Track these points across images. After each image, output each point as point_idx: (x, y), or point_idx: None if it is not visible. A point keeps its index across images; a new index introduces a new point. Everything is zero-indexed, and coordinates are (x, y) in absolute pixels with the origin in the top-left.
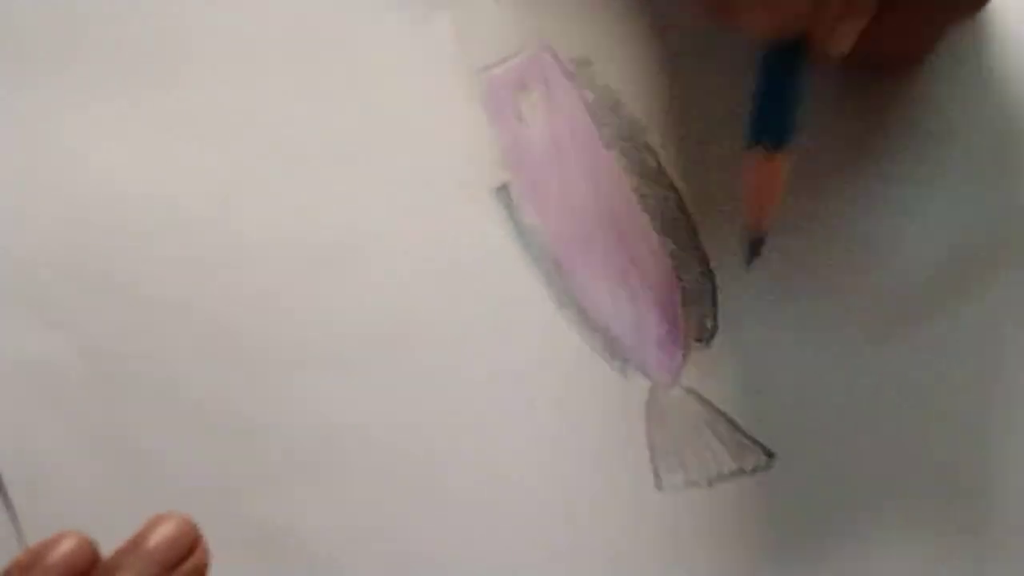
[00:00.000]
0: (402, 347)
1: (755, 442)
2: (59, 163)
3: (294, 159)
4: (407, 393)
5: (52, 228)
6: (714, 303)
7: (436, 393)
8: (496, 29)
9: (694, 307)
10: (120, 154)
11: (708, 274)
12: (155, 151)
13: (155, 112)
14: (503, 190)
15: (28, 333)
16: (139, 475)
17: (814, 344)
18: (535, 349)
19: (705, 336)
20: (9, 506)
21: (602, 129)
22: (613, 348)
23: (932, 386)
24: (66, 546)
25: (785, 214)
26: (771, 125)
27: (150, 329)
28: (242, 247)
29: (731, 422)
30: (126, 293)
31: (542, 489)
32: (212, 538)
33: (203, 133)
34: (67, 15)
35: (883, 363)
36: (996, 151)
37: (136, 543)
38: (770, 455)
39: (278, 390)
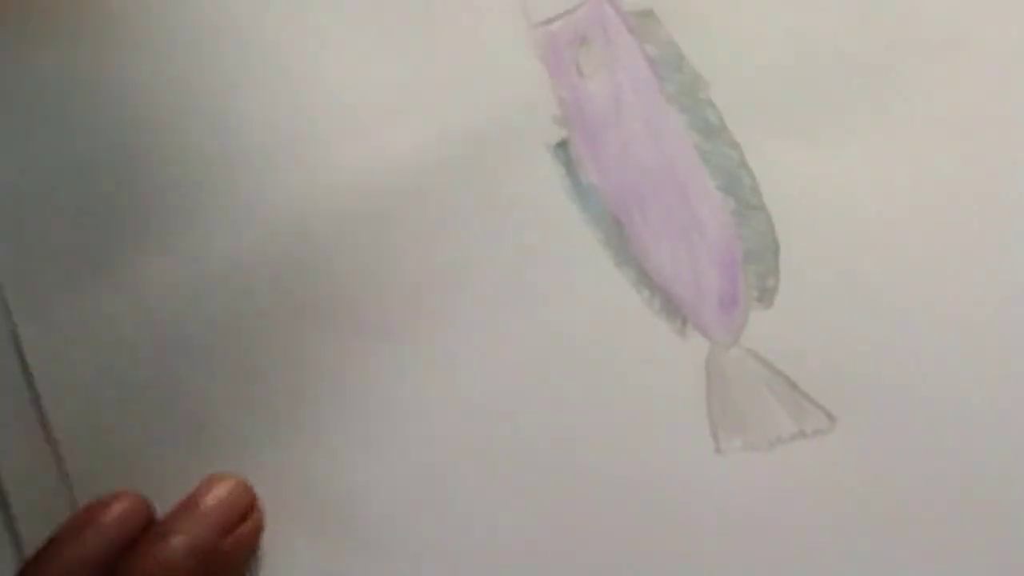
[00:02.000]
0: (460, 311)
1: (816, 404)
2: (115, 115)
3: (350, 115)
4: (465, 359)
5: (108, 182)
6: (776, 262)
7: (493, 358)
8: None
9: (755, 266)
10: (162, 112)
11: (770, 233)
12: (222, 107)
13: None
14: (562, 147)
15: (84, 287)
16: (193, 434)
17: (878, 305)
18: (594, 309)
19: (767, 296)
20: (61, 463)
21: (664, 84)
22: (673, 307)
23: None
24: (120, 506)
25: None
26: None
27: (204, 285)
28: (296, 206)
29: (792, 384)
30: (182, 248)
31: (599, 451)
32: (265, 501)
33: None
34: None
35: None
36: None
37: (191, 504)
38: (832, 418)
39: (335, 356)
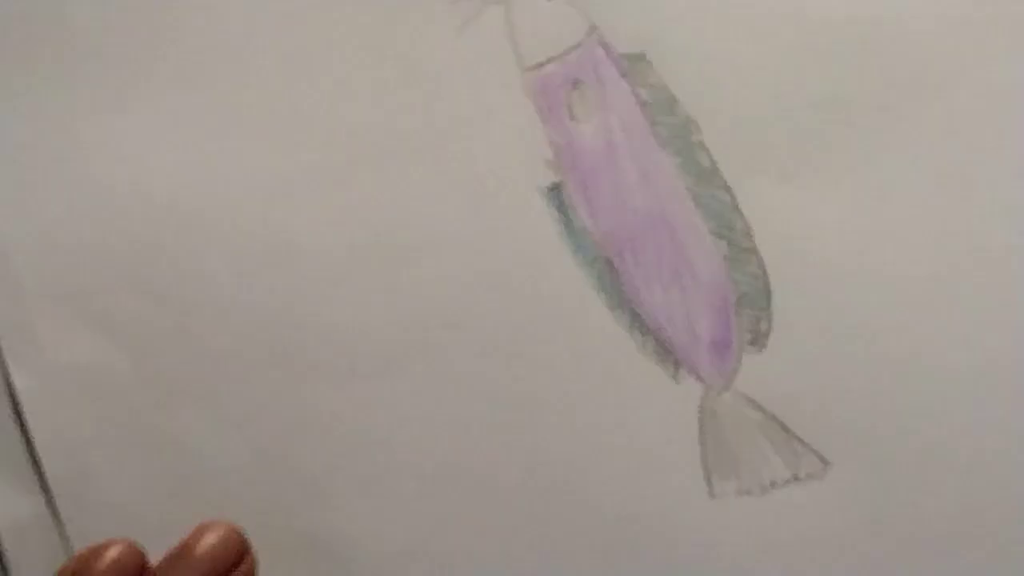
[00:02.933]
0: (456, 355)
1: (810, 449)
2: (107, 167)
3: (344, 160)
4: (460, 403)
5: (101, 232)
6: (768, 306)
7: (486, 399)
8: (548, 25)
9: (748, 310)
10: (168, 156)
11: (763, 276)
12: (202, 153)
13: (202, 113)
14: (555, 190)
15: (77, 336)
16: (187, 481)
17: (871, 348)
18: (587, 353)
19: (760, 340)
20: (55, 512)
21: (656, 128)
22: (666, 351)
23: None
24: (114, 552)
25: None
26: None
27: (198, 333)
28: (290, 250)
29: (785, 428)
30: (175, 297)
31: (593, 495)
32: (259, 547)
33: (251, 134)
34: (111, 17)
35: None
36: None
37: (184, 551)
38: (825, 462)
39: (326, 397)
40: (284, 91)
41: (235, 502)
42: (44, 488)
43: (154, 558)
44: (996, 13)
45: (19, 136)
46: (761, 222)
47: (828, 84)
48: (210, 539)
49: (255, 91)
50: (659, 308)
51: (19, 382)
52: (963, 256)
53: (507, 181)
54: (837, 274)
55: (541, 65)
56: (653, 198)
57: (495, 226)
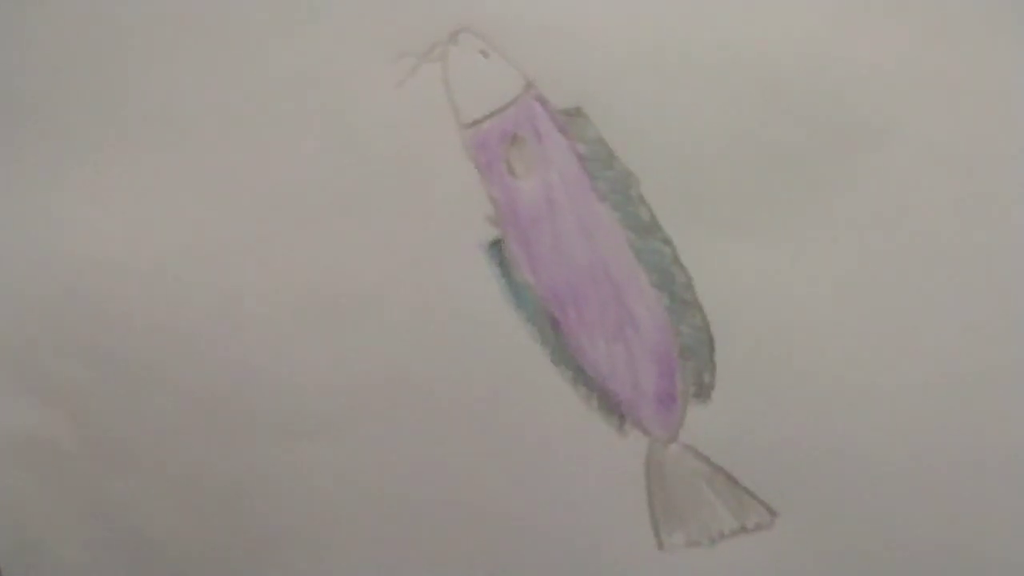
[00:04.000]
0: (395, 410)
1: (757, 499)
2: (47, 230)
3: (284, 220)
4: (401, 458)
5: (40, 296)
6: (712, 357)
7: (430, 456)
8: (485, 81)
9: (691, 362)
10: (109, 220)
11: (705, 328)
12: (143, 216)
13: (143, 177)
14: (495, 246)
15: (19, 405)
16: (131, 547)
17: (815, 398)
18: (531, 408)
19: (704, 391)
20: None
21: (595, 182)
22: (611, 405)
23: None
24: None
25: None
26: None
27: (142, 400)
28: (232, 312)
29: (731, 479)
30: (118, 365)
31: (542, 550)
32: None
33: (191, 198)
34: (60, 79)
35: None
36: None
37: None
38: (772, 513)
39: (271, 457)
40: (224, 153)
41: (182, 565)
42: None
43: None
44: (934, 65)
45: None
46: (702, 274)
47: (767, 136)
48: None
49: (195, 154)
50: (603, 362)
51: None
52: (907, 304)
53: (448, 238)
54: (779, 325)
55: (479, 122)
56: (594, 252)
57: (437, 283)
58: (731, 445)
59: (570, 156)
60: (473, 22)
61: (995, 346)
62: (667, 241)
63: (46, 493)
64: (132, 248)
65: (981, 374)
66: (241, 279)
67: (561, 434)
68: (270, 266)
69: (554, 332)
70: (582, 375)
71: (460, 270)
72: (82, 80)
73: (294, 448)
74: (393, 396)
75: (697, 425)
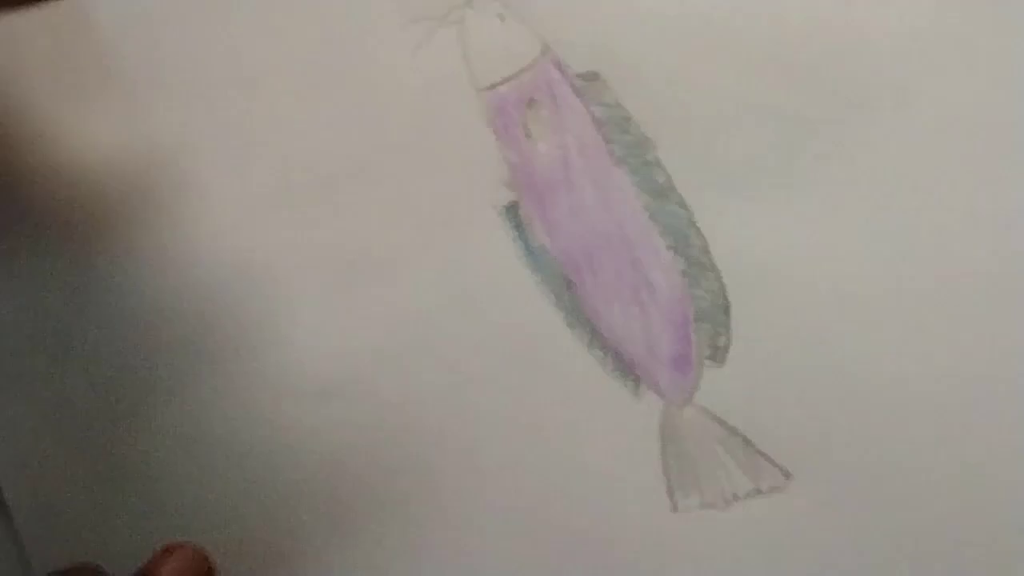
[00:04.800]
0: (416, 372)
1: (771, 461)
2: None
3: (302, 185)
4: (418, 419)
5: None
6: (727, 320)
7: (446, 416)
8: (502, 45)
9: (707, 324)
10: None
11: (721, 291)
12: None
13: (160, 135)
14: (511, 209)
15: (43, 369)
16: (151, 504)
17: (829, 361)
18: (546, 370)
19: (719, 354)
20: (17, 538)
21: (611, 146)
22: (626, 368)
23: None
24: None
25: None
26: None
27: (158, 356)
28: (256, 276)
29: (746, 441)
30: (140, 322)
31: (556, 512)
32: (225, 568)
33: (211, 161)
34: None
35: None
36: None
37: (148, 573)
38: (787, 474)
39: (291, 419)
40: (241, 119)
41: (198, 522)
42: (5, 512)
43: None
44: (949, 30)
45: None
46: (718, 237)
47: (783, 99)
48: (175, 561)
49: (213, 118)
50: (618, 325)
51: None
52: (921, 268)
53: (464, 201)
54: (795, 287)
55: (495, 85)
56: (610, 215)
57: (454, 246)
58: (746, 408)
59: (587, 120)
60: None
61: (1014, 311)
62: (683, 205)
63: (65, 449)
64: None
65: (999, 338)
66: (262, 243)
67: (576, 397)
68: (288, 231)
69: (570, 295)
70: (597, 338)
71: (477, 233)
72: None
73: (314, 409)
74: (412, 358)
75: (712, 388)
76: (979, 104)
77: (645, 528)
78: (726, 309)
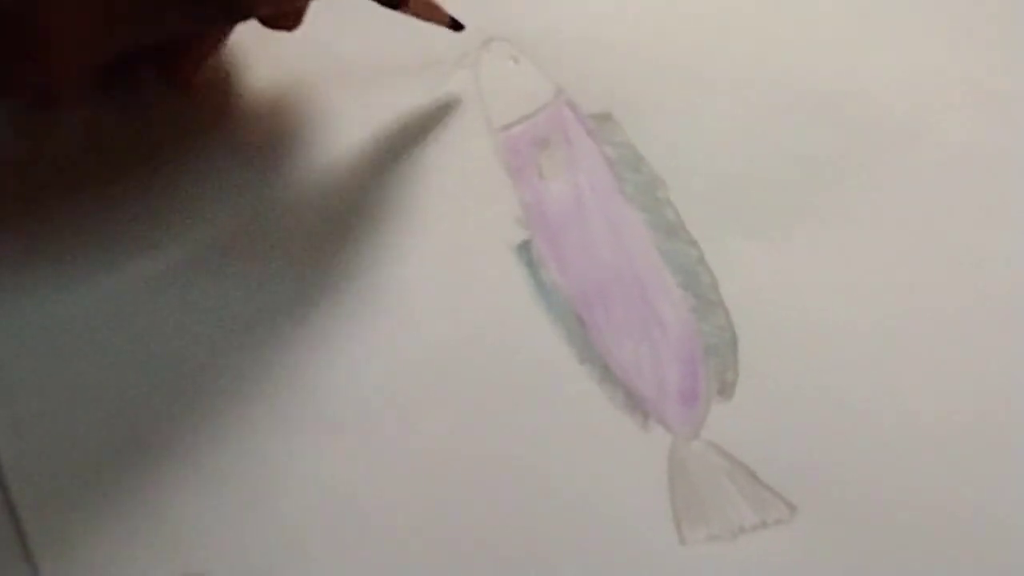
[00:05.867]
0: (426, 408)
1: (776, 495)
2: None
3: (312, 219)
4: (426, 453)
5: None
6: (735, 356)
7: (456, 451)
8: (516, 87)
9: (716, 360)
10: None
11: (729, 327)
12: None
13: None
14: (524, 247)
15: (53, 387)
16: (153, 536)
17: (836, 397)
18: (557, 404)
19: (727, 389)
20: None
21: (623, 185)
22: (635, 403)
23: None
24: None
25: None
26: None
27: (166, 388)
28: (257, 303)
29: (752, 474)
30: (158, 354)
31: (565, 544)
32: None
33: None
34: None
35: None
36: None
37: None
38: (792, 508)
39: (302, 451)
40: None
41: (203, 556)
42: (25, 549)
43: None
44: (959, 71)
45: None
46: (727, 276)
47: (793, 141)
48: None
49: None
50: (628, 360)
51: None
52: (929, 305)
53: (478, 239)
54: (802, 324)
55: (510, 126)
56: (621, 253)
57: (467, 283)
58: (752, 442)
59: (599, 160)
60: (505, 31)
61: (1021, 348)
62: (693, 243)
63: (82, 481)
64: None
65: (1006, 375)
66: (260, 267)
67: (586, 431)
68: (297, 267)
69: (581, 332)
70: (608, 374)
71: (490, 270)
72: None
73: (325, 442)
74: (420, 392)
75: (719, 422)
76: (990, 143)
77: (652, 559)
78: (734, 345)
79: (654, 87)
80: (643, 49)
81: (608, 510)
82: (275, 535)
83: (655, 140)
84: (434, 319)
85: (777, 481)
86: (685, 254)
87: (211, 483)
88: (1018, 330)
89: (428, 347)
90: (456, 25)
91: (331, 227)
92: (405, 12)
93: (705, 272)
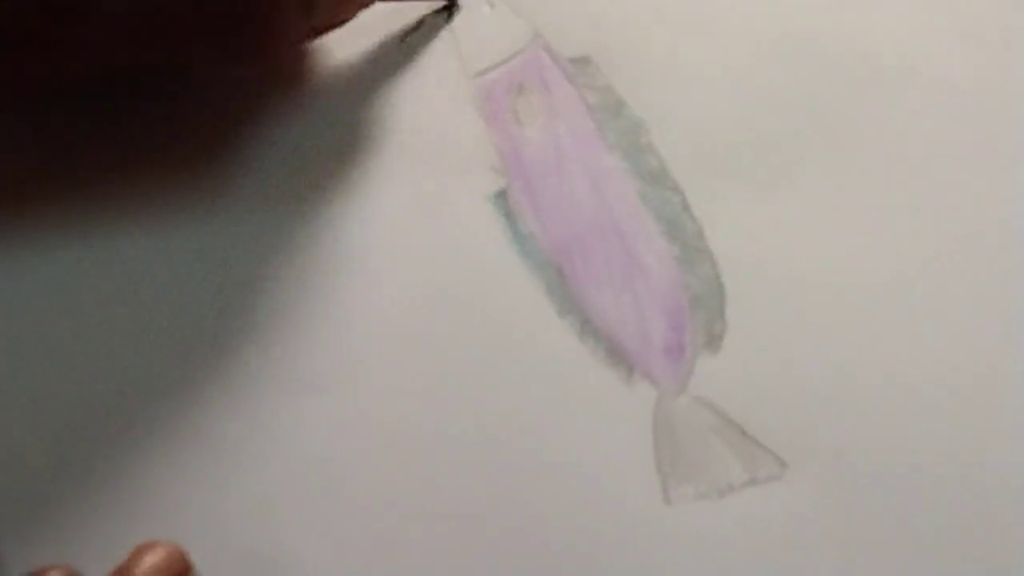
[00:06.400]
0: (401, 364)
1: (767, 451)
2: None
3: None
4: (404, 411)
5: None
6: (722, 307)
7: (435, 408)
8: (491, 32)
9: (702, 312)
10: None
11: (716, 277)
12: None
13: None
14: (500, 196)
15: (15, 362)
16: (124, 503)
17: (826, 348)
18: (537, 359)
19: (714, 342)
20: None
21: (604, 131)
22: (618, 356)
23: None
24: None
25: None
26: None
27: (134, 355)
28: (226, 264)
29: (741, 431)
30: (117, 320)
31: (547, 504)
32: (201, 567)
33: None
34: None
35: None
36: None
37: (124, 573)
38: (783, 464)
39: (275, 413)
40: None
41: (173, 521)
42: None
43: None
44: (947, 11)
45: None
46: (712, 223)
47: (780, 83)
48: (152, 559)
49: None
50: (610, 312)
51: None
52: (922, 256)
53: (455, 188)
54: (792, 274)
55: (485, 71)
56: (601, 202)
57: (443, 233)
58: (741, 396)
59: (578, 105)
60: None
61: (1015, 297)
62: (677, 190)
63: (39, 446)
64: None
65: (1000, 324)
66: (236, 227)
67: (568, 386)
68: (268, 219)
69: (560, 283)
70: (589, 326)
71: (468, 221)
72: None
73: (300, 403)
74: (395, 351)
75: (707, 376)
76: (986, 83)
77: (638, 519)
78: (721, 296)
79: (635, 29)
80: None
81: (591, 468)
82: (249, 503)
83: (637, 84)
84: (408, 272)
85: (767, 437)
86: (669, 201)
87: (184, 451)
88: (1011, 283)
89: (402, 302)
90: (453, 2)
91: (302, 177)
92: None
93: (690, 220)
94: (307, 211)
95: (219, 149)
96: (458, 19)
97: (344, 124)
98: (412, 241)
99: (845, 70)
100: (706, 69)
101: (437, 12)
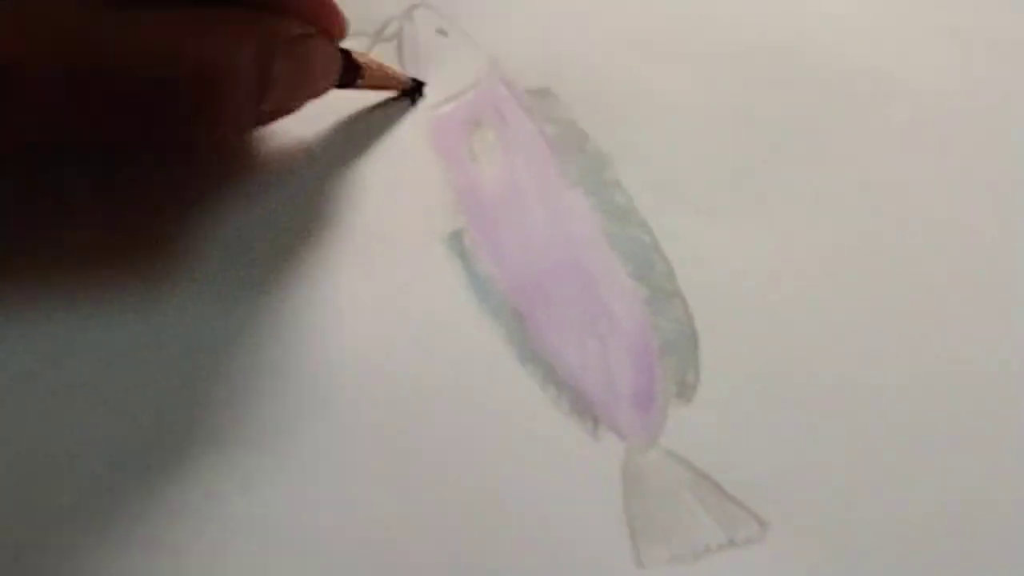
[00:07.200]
0: (349, 412)
1: (745, 509)
2: None
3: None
4: (354, 465)
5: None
6: (695, 354)
7: (386, 463)
8: (444, 62)
9: (673, 358)
10: None
11: (688, 321)
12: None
13: None
14: (455, 237)
15: None
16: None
17: (807, 397)
18: (496, 410)
19: (686, 391)
20: None
21: (565, 166)
22: (583, 407)
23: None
24: None
25: None
26: None
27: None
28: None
29: (718, 487)
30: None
31: (507, 565)
32: None
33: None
34: None
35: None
36: None
37: None
38: (762, 524)
39: (212, 470)
40: None
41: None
42: None
43: None
44: (929, 20)
45: None
46: (684, 262)
47: (747, 111)
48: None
49: None
50: (574, 360)
51: None
52: (910, 292)
53: (406, 229)
54: (770, 316)
55: (438, 105)
56: (564, 241)
57: (396, 278)
58: (717, 449)
59: (537, 139)
60: None
61: (1005, 332)
62: (645, 228)
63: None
64: None
65: (986, 366)
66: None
67: (529, 439)
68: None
69: (521, 328)
70: (552, 374)
71: (422, 264)
72: None
73: (243, 459)
74: (348, 397)
75: (679, 428)
76: (971, 101)
77: None
78: (694, 341)
79: (597, 57)
80: (584, 17)
81: (557, 529)
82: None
83: (600, 116)
84: (359, 317)
85: (745, 494)
86: (637, 240)
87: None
88: (1004, 313)
89: (353, 349)
90: (418, 86)
91: (248, 217)
92: (360, 87)
93: (660, 260)
94: (255, 258)
95: (166, 232)
96: (407, 48)
97: (299, 204)
98: (363, 284)
99: (822, 88)
100: (673, 98)
101: (399, 97)
